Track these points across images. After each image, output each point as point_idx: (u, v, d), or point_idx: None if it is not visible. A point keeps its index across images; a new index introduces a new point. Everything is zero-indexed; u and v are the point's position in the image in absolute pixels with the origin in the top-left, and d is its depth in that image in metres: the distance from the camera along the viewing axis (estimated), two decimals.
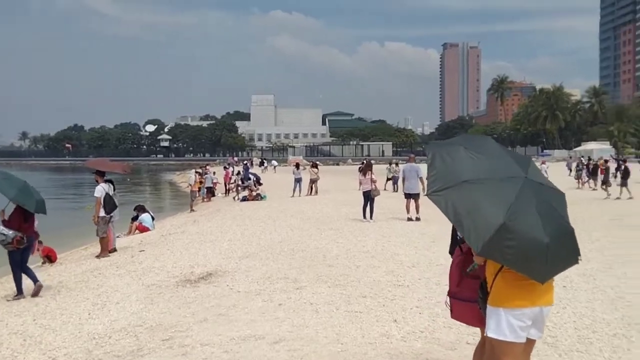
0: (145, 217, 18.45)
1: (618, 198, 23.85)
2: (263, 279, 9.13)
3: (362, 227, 15.71)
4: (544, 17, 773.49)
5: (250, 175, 32.02)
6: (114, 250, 13.25)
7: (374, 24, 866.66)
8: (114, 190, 12.90)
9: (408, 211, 16.93)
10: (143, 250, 13.00)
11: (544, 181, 3.57)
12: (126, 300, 8.35)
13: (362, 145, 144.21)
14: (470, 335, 5.90)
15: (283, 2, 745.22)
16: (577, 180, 32.54)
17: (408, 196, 16.94)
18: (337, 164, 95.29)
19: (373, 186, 17.23)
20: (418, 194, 16.44)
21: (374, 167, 18.57)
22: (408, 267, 9.84)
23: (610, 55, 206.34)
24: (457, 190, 3.35)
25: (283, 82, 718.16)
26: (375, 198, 17.33)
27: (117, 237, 15.07)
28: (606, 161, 31.21)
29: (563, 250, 3.36)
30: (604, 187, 25.44)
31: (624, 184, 24.40)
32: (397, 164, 32.35)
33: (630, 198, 23.53)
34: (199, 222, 19.07)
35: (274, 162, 72.17)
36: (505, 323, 3.42)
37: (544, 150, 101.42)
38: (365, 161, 23.41)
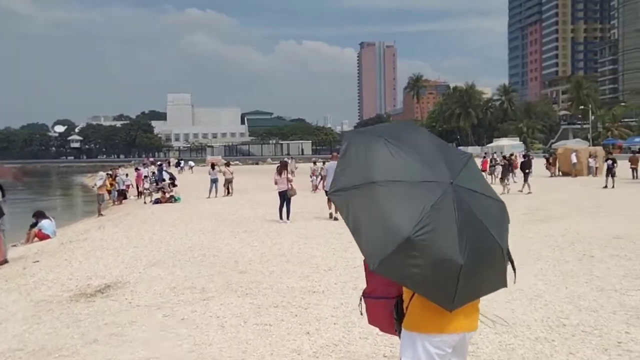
0: (45, 224, 17.08)
1: (520, 191, 24.61)
2: (167, 289, 8.40)
3: (279, 228, 15.16)
4: (456, 17, 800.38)
5: (165, 176, 30.78)
6: (5, 261, 12.05)
7: (291, 22, 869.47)
8: (3, 196, 11.74)
9: (330, 207, 16.55)
10: (38, 261, 11.89)
11: (478, 187, 2.93)
12: (10, 319, 7.41)
13: (282, 144, 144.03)
14: (388, 346, 5.47)
15: (197, 1, 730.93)
16: (490, 176, 33.27)
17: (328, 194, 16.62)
18: (257, 163, 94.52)
19: (289, 186, 16.74)
20: None
21: (301, 166, 18.09)
22: (324, 271, 9.36)
23: (519, 55, 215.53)
24: (363, 191, 2.74)
25: (200, 81, 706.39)
26: (292, 198, 16.85)
27: (13, 246, 13.80)
28: (508, 156, 32.17)
29: (484, 273, 2.79)
30: (502, 182, 26.08)
31: (525, 178, 25.31)
32: (324, 162, 32.01)
33: (529, 193, 24.31)
34: (105, 227, 17.92)
35: (191, 163, 70.36)
36: (421, 350, 2.89)
37: (459, 147, 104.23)
38: (281, 160, 22.92)
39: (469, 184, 2.86)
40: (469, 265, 2.64)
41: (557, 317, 6.44)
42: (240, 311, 7.07)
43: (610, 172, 26.71)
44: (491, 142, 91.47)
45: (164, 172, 32.17)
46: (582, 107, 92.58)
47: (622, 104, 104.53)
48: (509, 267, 3.02)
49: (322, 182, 29.34)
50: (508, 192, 24.48)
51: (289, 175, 17.01)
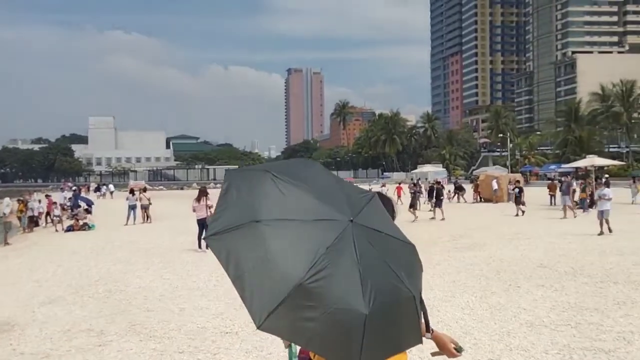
0: None
1: (432, 218, 24.85)
2: (60, 333, 7.46)
3: (196, 259, 14.29)
4: (382, 46, 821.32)
5: (80, 203, 29.17)
6: None
7: (217, 46, 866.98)
8: None
9: None
10: None
11: (383, 228, 2.40)
12: None
13: (208, 169, 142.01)
14: None
15: (120, 20, 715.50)
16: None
17: None
18: (182, 188, 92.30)
19: (209, 213, 15.92)
20: None
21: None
22: (240, 307, 8.63)
23: (441, 84, 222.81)
24: (245, 233, 2.19)
25: (124, 104, 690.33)
26: None
27: None
28: (415, 185, 32.26)
29: (395, 326, 2.25)
30: (411, 210, 25.51)
31: (438, 204, 25.49)
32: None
33: (443, 219, 24.58)
34: (8, 257, 16.49)
35: (111, 187, 67.60)
36: None
37: (384, 173, 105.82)
38: (200, 187, 22.03)
39: (373, 223, 2.34)
40: (376, 315, 2.09)
41: (489, 359, 6.00)
42: (140, 359, 6.26)
43: (517, 200, 26.86)
44: (415, 168, 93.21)
45: (79, 198, 30.63)
46: (501, 135, 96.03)
47: (538, 132, 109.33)
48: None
49: None
50: (416, 218, 24.43)
51: (209, 202, 16.21)
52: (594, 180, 31.91)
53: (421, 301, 2.36)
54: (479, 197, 38.86)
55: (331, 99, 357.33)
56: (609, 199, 18.05)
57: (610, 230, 17.39)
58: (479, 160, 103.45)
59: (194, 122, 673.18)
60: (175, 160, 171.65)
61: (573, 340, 6.54)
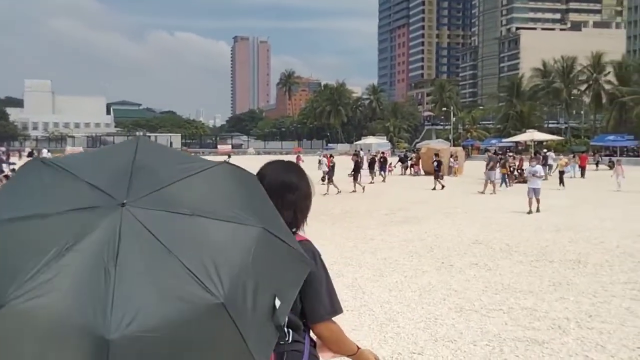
0: None
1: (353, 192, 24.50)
2: None
3: None
4: (331, 17, 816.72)
5: (4, 168, 27.50)
6: None
7: (163, 12, 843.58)
8: None
9: None
10: None
11: (201, 205, 1.51)
12: None
13: (149, 136, 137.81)
14: None
15: None
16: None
17: None
18: None
19: None
20: None
21: None
22: None
23: (387, 56, 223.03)
24: None
25: (63, 68, 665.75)
26: None
27: None
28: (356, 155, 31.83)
29: (180, 356, 1.36)
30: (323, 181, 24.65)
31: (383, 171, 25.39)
32: None
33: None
34: None
35: (45, 153, 64.40)
36: None
37: (329, 144, 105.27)
38: None
39: (174, 203, 1.49)
40: (131, 342, 1.29)
41: (410, 352, 5.31)
42: None
43: (436, 174, 26.11)
44: (360, 139, 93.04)
45: (3, 164, 28.91)
46: (445, 108, 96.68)
47: (481, 107, 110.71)
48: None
49: None
50: (363, 190, 23.90)
51: None
52: (533, 154, 32.08)
53: (272, 310, 1.52)
54: (418, 170, 38.78)
55: (278, 68, 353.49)
56: (541, 177, 17.46)
57: (538, 210, 16.39)
58: (423, 134, 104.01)
59: (137, 89, 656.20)
60: (115, 127, 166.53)
61: (504, 329, 5.94)
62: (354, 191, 23.68)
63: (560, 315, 6.45)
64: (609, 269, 8.99)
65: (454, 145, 62.75)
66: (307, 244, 2.09)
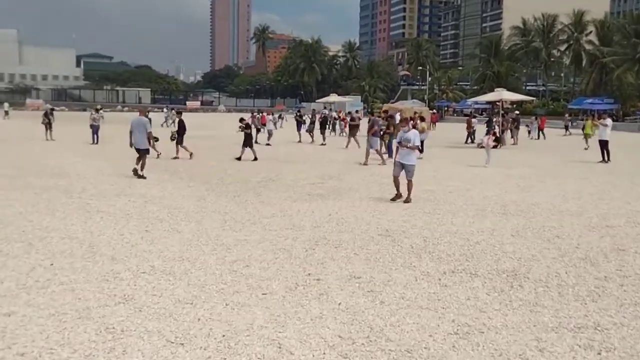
0: None
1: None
2: None
3: None
4: None
5: None
6: None
7: None
8: None
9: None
10: None
11: None
12: None
13: (118, 90, 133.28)
14: None
15: None
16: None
17: (137, 151, 14.58)
18: (85, 110, 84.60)
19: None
20: (147, 150, 14.66)
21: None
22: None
23: (369, 14, 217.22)
24: None
25: (31, 17, 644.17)
26: None
27: None
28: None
29: None
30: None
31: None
32: (97, 110, 26.62)
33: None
34: None
35: (6, 105, 59.64)
36: None
37: (302, 103, 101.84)
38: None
39: None
40: None
41: None
42: None
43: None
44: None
45: None
46: (421, 68, 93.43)
47: (460, 67, 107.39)
48: None
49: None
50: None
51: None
52: (510, 119, 29.38)
53: None
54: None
55: (259, 24, 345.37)
56: (415, 147, 11.33)
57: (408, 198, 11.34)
58: (398, 94, 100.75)
59: (111, 41, 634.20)
60: (85, 80, 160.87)
61: None
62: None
63: None
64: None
65: (429, 106, 59.83)
66: None
